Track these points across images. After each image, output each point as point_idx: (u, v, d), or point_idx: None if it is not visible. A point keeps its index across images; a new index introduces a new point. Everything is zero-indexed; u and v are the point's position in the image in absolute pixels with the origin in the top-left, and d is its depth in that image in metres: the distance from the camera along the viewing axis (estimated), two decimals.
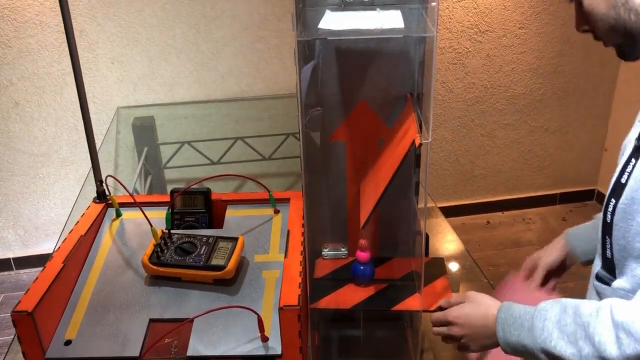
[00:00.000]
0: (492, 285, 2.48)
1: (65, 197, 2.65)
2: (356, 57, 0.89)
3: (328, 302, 0.93)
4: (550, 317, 0.77)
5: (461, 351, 0.90)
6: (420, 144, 0.76)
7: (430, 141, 0.77)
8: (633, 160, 0.81)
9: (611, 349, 0.70)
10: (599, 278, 0.90)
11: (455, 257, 1.54)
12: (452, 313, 0.89)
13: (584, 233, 1.06)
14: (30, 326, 0.89)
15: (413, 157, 0.85)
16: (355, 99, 0.92)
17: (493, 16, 2.63)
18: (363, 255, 0.94)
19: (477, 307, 0.88)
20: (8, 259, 2.73)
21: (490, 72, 2.75)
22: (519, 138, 2.93)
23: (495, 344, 0.85)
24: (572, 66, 2.79)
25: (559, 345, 0.75)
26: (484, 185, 3.01)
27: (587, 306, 0.75)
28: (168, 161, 2.42)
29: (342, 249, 1.05)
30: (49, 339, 0.94)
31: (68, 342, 0.94)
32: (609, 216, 0.84)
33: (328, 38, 0.83)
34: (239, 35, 2.49)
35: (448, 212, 2.96)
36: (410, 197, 0.99)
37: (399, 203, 0.99)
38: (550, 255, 1.06)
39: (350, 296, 0.94)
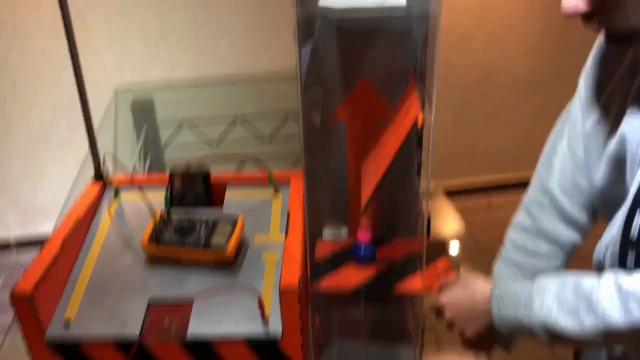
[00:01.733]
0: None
1: (64, 179, 2.63)
2: (357, 34, 0.87)
3: (329, 283, 0.92)
4: (550, 292, 0.75)
5: (461, 337, 0.89)
6: (423, 123, 0.74)
7: (433, 121, 0.75)
8: None
9: (617, 317, 0.68)
10: None
11: (456, 238, 1.53)
12: (442, 298, 0.88)
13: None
14: (29, 308, 0.89)
15: (415, 136, 0.83)
16: (356, 77, 0.90)
17: None
18: (364, 236, 0.93)
19: (464, 290, 0.86)
20: (8, 241, 2.73)
21: (493, 51, 2.72)
22: (521, 118, 2.91)
23: (489, 325, 0.83)
24: (576, 46, 2.74)
25: (560, 319, 0.73)
26: (486, 165, 2.99)
27: (588, 279, 0.73)
28: (167, 141, 2.40)
29: (343, 230, 1.04)
30: (49, 320, 0.93)
31: (67, 323, 0.93)
32: (634, 231, 0.74)
33: (329, 16, 0.81)
34: (239, 13, 2.46)
35: (449, 192, 2.94)
36: (413, 178, 0.98)
37: (401, 183, 0.98)
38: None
39: (351, 277, 0.93)
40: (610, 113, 0.80)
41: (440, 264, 0.97)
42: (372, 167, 0.87)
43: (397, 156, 0.78)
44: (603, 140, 0.80)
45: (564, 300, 0.73)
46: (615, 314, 0.68)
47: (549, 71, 2.82)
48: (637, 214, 0.73)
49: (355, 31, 0.87)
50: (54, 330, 0.92)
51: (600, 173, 0.81)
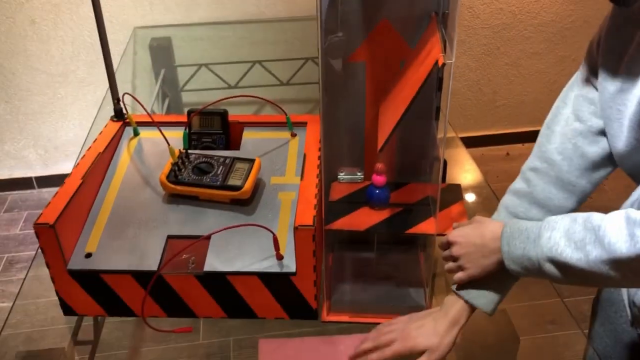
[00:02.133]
0: None
1: (84, 118, 2.66)
2: None
3: (342, 223, 0.94)
4: (559, 227, 0.75)
5: (459, 275, 0.87)
6: (444, 64, 0.73)
7: (454, 62, 0.74)
8: None
9: (622, 246, 0.68)
10: None
11: (473, 187, 1.53)
12: (454, 233, 0.88)
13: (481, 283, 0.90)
14: (52, 238, 0.92)
15: (435, 78, 0.82)
16: (376, 18, 0.88)
17: None
18: (379, 179, 0.94)
19: (477, 227, 0.86)
20: (30, 178, 2.78)
21: None
22: (545, 68, 2.84)
23: (495, 264, 0.83)
24: None
25: (566, 252, 0.73)
26: (506, 116, 2.95)
27: (598, 214, 0.73)
28: (185, 83, 2.40)
29: (359, 174, 1.04)
30: (70, 252, 0.96)
31: (88, 255, 0.97)
32: None
33: None
34: None
35: (468, 142, 2.90)
36: (430, 123, 0.97)
37: (418, 128, 0.97)
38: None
39: (364, 219, 0.95)
40: (634, 77, 0.78)
41: (454, 208, 0.98)
42: (391, 108, 0.86)
43: (416, 99, 0.77)
44: (626, 105, 0.79)
45: (572, 234, 0.73)
46: (620, 242, 0.68)
47: (575, 20, 2.73)
48: None
49: None
50: (76, 261, 0.96)
51: (623, 139, 0.80)
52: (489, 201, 1.48)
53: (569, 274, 0.75)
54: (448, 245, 0.89)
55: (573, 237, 0.73)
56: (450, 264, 0.90)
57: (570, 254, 0.72)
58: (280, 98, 2.34)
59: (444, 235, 0.92)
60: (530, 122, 2.93)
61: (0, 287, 2.26)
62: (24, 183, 2.78)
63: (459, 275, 0.88)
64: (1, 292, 2.24)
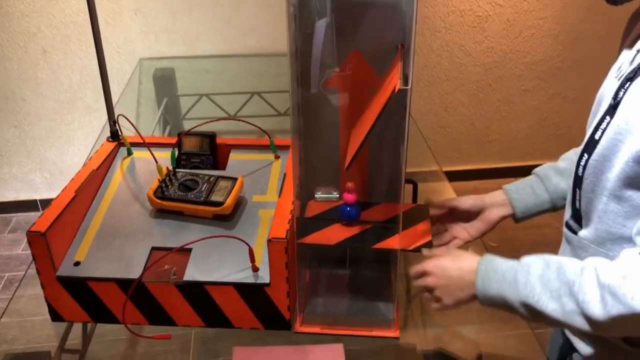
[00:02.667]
0: (496, 247, 2.53)
1: (89, 143, 2.76)
2: (350, 7, 0.93)
3: (314, 238, 1.00)
4: (534, 272, 0.79)
5: (434, 306, 0.92)
6: (400, 90, 0.81)
7: (410, 87, 0.82)
8: (607, 117, 0.83)
9: (595, 309, 0.72)
10: (568, 226, 0.94)
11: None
12: (430, 263, 0.92)
13: (522, 188, 1.09)
14: (43, 245, 0.98)
15: (402, 107, 0.89)
16: (347, 48, 0.97)
17: None
18: (349, 197, 1.00)
19: (455, 260, 0.90)
20: (35, 201, 2.87)
21: (510, 37, 2.74)
22: (536, 105, 2.92)
23: (470, 297, 0.87)
24: (594, 33, 2.75)
25: (542, 300, 0.77)
26: (499, 150, 3.03)
27: (571, 264, 0.77)
28: (187, 112, 2.50)
29: (334, 193, 1.11)
30: (60, 260, 1.03)
31: (77, 263, 1.03)
32: (580, 170, 0.87)
33: None
34: None
35: (461, 176, 2.99)
36: (400, 147, 1.04)
37: (388, 151, 1.04)
38: (467, 198, 1.10)
39: (335, 234, 1.01)
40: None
41: (420, 227, 1.04)
42: (358, 132, 0.94)
43: (377, 121, 0.84)
44: None
45: (547, 282, 0.77)
46: (593, 305, 0.73)
47: (564, 59, 2.82)
48: (583, 157, 0.86)
49: (348, 3, 0.94)
50: (65, 269, 1.02)
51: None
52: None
53: (543, 319, 0.79)
54: (423, 274, 0.93)
55: (548, 285, 0.77)
56: (425, 294, 0.94)
57: (547, 303, 0.77)
58: (277, 127, 2.44)
59: (409, 250, 0.98)
60: (522, 157, 3.00)
61: (0, 305, 2.32)
62: (28, 205, 2.87)
63: (435, 306, 0.93)
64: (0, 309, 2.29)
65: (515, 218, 1.10)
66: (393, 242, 0.98)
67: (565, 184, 1.07)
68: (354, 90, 1.00)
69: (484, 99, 2.89)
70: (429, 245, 1.01)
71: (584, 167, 0.86)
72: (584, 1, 2.69)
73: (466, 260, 0.89)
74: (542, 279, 0.78)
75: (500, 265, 0.84)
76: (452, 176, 2.76)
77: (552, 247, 1.06)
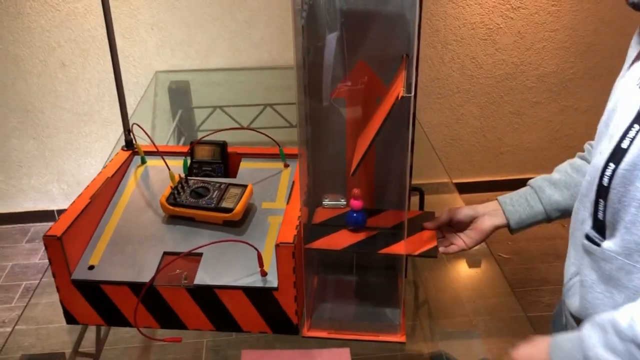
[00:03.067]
0: (508, 258, 2.53)
1: (105, 155, 2.81)
2: (357, 18, 0.96)
3: (321, 243, 1.02)
4: (597, 344, 0.78)
5: None
6: (403, 97, 0.83)
7: (414, 95, 0.84)
8: (636, 125, 0.81)
9: None
10: (588, 238, 0.92)
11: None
12: (520, 354, 0.90)
13: (516, 200, 1.11)
14: (59, 249, 1.02)
15: (407, 116, 0.91)
16: (354, 59, 0.99)
17: None
18: (356, 204, 1.02)
19: (537, 345, 0.90)
20: (52, 211, 2.93)
21: (521, 49, 2.75)
22: (548, 117, 2.93)
23: None
24: (605, 46, 2.76)
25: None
26: (511, 162, 3.03)
27: (620, 319, 0.77)
28: (201, 124, 2.54)
29: (341, 200, 1.13)
30: (75, 263, 1.06)
31: (91, 267, 1.06)
32: (605, 180, 0.85)
33: None
34: (272, 4, 2.57)
35: (473, 188, 3.00)
36: (406, 155, 1.06)
37: (395, 159, 1.07)
38: (461, 208, 1.12)
39: (342, 240, 1.03)
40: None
41: (426, 233, 1.06)
42: (363, 139, 0.96)
43: (381, 129, 0.87)
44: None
45: (614, 348, 0.77)
46: None
47: (576, 71, 2.83)
48: (609, 166, 0.84)
49: (355, 14, 0.97)
50: (80, 272, 1.05)
51: None
52: (486, 247, 1.55)
53: None
54: None
55: (616, 350, 0.76)
56: None
57: None
58: (289, 139, 2.47)
59: (413, 255, 0.99)
60: (534, 168, 3.00)
61: (16, 313, 2.37)
62: (46, 215, 2.92)
63: None
64: (17, 316, 2.34)
65: (510, 229, 1.12)
66: (398, 248, 1.00)
67: (559, 196, 1.09)
68: (361, 100, 1.02)
69: (495, 111, 2.90)
70: (434, 251, 1.02)
71: (610, 177, 0.84)
72: (595, 13, 2.70)
73: (544, 344, 0.88)
74: (608, 346, 0.77)
75: (567, 348, 0.84)
76: (464, 188, 2.77)
77: (563, 259, 1.07)
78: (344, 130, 1.07)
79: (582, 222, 0.95)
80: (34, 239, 2.84)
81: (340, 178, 1.13)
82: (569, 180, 1.10)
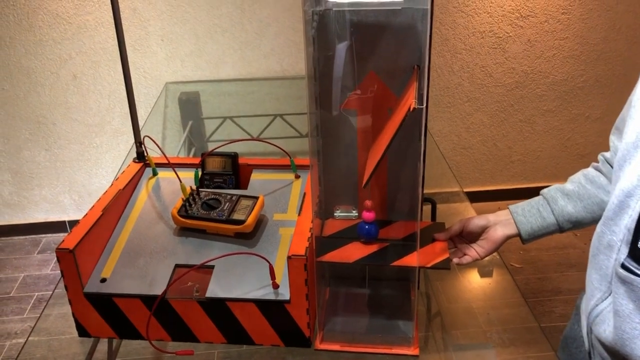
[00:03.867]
0: (520, 268, 2.51)
1: (116, 166, 2.83)
2: (367, 29, 0.96)
3: (332, 256, 1.02)
4: None
5: None
6: (415, 109, 0.83)
7: (426, 107, 0.84)
8: None
9: None
10: (624, 267, 0.86)
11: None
12: None
13: (528, 210, 1.10)
14: (71, 262, 1.02)
15: (418, 126, 0.91)
16: (365, 70, 0.99)
17: (535, 1, 2.62)
18: (368, 215, 1.02)
19: None
20: (64, 222, 2.94)
21: (531, 58, 2.74)
22: (559, 125, 2.91)
23: None
24: (616, 53, 2.74)
25: None
26: (522, 171, 3.01)
27: None
28: (211, 135, 2.55)
29: (353, 211, 1.13)
30: (87, 276, 1.06)
31: (103, 280, 1.06)
32: None
33: (333, 9, 0.90)
34: (282, 15, 2.58)
35: (484, 196, 2.98)
36: (418, 165, 1.06)
37: (407, 170, 1.06)
38: (472, 218, 1.11)
39: (354, 252, 1.02)
40: None
41: (438, 245, 1.05)
42: (375, 150, 0.96)
43: (393, 140, 0.86)
44: None
45: None
46: None
47: (587, 79, 2.82)
48: None
49: (365, 26, 0.97)
50: (92, 285, 1.05)
51: None
52: (496, 257, 1.54)
53: None
54: None
55: None
56: None
57: None
58: (299, 149, 2.48)
59: (426, 267, 0.99)
60: (546, 177, 2.98)
61: (28, 324, 2.38)
62: (57, 226, 2.94)
63: None
64: (29, 328, 2.35)
65: (521, 239, 1.11)
66: (411, 260, 0.99)
67: (572, 207, 1.08)
68: (371, 111, 1.02)
69: (505, 120, 2.89)
70: (446, 263, 1.01)
71: None
72: (604, 21, 2.69)
73: None
74: None
75: None
76: (475, 197, 2.75)
77: (576, 268, 1.06)
78: (355, 141, 1.07)
79: (608, 246, 0.89)
80: (45, 249, 2.85)
81: (351, 189, 1.12)
82: (583, 192, 1.09)
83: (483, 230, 1.11)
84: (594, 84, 2.81)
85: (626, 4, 2.62)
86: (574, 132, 2.93)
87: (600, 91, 2.83)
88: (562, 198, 1.09)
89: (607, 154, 1.09)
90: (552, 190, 1.11)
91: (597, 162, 1.13)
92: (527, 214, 1.10)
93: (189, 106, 2.54)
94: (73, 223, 2.93)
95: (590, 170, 1.12)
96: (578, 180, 1.11)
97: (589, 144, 2.93)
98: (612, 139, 1.02)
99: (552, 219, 1.08)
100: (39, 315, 2.41)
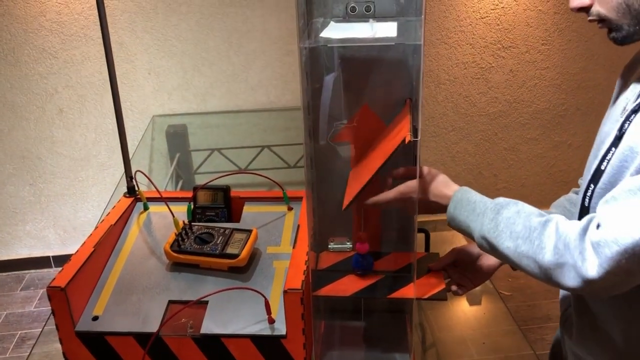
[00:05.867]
0: (509, 295, 2.51)
1: (102, 200, 2.80)
2: (359, 64, 0.98)
3: (329, 290, 1.01)
4: (504, 214, 0.87)
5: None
6: (410, 141, 0.84)
7: (419, 139, 0.85)
8: (613, 148, 0.88)
9: (546, 255, 0.81)
10: None
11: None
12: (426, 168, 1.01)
13: None
14: (63, 300, 1.00)
15: (401, 153, 0.92)
16: (358, 103, 1.00)
17: (516, 32, 2.69)
18: (362, 247, 1.02)
19: (445, 177, 1.02)
20: (48, 257, 2.89)
21: (514, 87, 2.80)
22: (543, 152, 2.96)
23: (440, 207, 0.98)
24: (595, 82, 2.81)
25: (500, 237, 0.86)
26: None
27: (538, 216, 0.85)
28: (199, 167, 2.55)
29: (347, 243, 1.13)
30: (79, 314, 1.04)
31: (95, 318, 1.04)
32: (587, 201, 0.92)
33: (328, 45, 0.92)
34: (269, 48, 2.61)
35: None
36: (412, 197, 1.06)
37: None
38: (463, 248, 1.13)
39: (350, 285, 1.02)
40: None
41: (432, 275, 1.05)
42: (360, 174, 0.96)
43: (382, 168, 0.87)
44: None
45: (512, 225, 0.85)
46: (546, 252, 0.81)
47: (568, 107, 2.87)
48: (590, 187, 0.91)
49: (358, 61, 0.98)
50: (84, 323, 1.03)
51: None
52: (487, 284, 1.54)
53: (497, 254, 0.89)
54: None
55: (511, 227, 0.85)
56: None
57: (502, 241, 0.86)
58: (287, 180, 2.48)
59: (424, 299, 0.98)
60: (532, 204, 2.99)
61: None
62: (41, 262, 2.88)
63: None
64: None
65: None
66: (408, 292, 0.99)
67: None
68: (364, 143, 1.03)
69: (490, 148, 2.93)
70: (443, 294, 1.01)
71: (590, 197, 0.91)
72: (583, 52, 2.76)
73: (452, 184, 1.00)
74: (509, 221, 0.86)
75: (474, 197, 0.95)
76: None
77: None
78: (348, 172, 1.08)
79: None
80: (29, 286, 2.79)
81: (345, 220, 1.12)
82: (568, 215, 1.11)
83: (476, 258, 1.11)
84: (575, 112, 2.87)
85: (602, 34, 2.69)
86: (557, 159, 2.97)
87: (582, 119, 2.88)
88: None
89: None
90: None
91: (578, 186, 1.15)
92: None
93: (176, 139, 2.54)
94: (58, 258, 2.88)
95: (571, 195, 1.15)
96: (562, 205, 1.14)
97: (572, 171, 2.98)
98: None
99: None
100: (21, 354, 2.35)
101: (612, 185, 0.85)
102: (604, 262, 0.75)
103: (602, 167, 0.89)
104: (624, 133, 0.86)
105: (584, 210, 0.93)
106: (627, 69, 0.99)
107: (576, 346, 1.03)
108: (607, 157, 0.88)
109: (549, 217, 0.84)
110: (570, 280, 0.79)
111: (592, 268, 0.76)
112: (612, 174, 0.86)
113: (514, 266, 0.90)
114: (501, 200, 0.92)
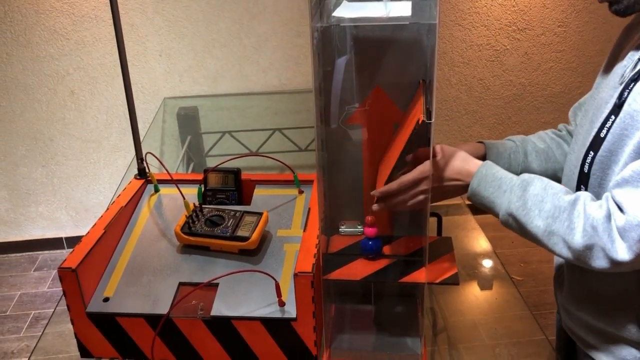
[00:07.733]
0: (520, 281, 2.50)
1: (114, 181, 2.81)
2: (372, 44, 0.96)
3: (339, 274, 1.00)
4: (531, 191, 0.87)
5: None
6: (424, 122, 0.82)
7: (433, 121, 0.83)
8: (613, 116, 0.89)
9: (577, 236, 0.82)
10: None
11: (482, 255, 1.58)
12: (439, 146, 1.00)
13: (501, 157, 1.15)
14: (74, 281, 1.00)
15: (417, 136, 0.91)
16: (370, 85, 0.99)
17: (532, 14, 2.64)
18: (370, 231, 1.01)
19: (462, 152, 0.99)
20: (60, 238, 2.92)
21: (529, 70, 2.75)
22: None
23: (460, 187, 0.97)
24: None
25: (530, 215, 0.86)
26: None
27: (565, 194, 0.86)
28: (210, 149, 2.54)
29: (358, 227, 1.11)
30: (90, 296, 1.05)
31: (106, 299, 1.05)
32: (586, 167, 0.93)
33: (340, 24, 0.90)
34: (280, 30, 2.59)
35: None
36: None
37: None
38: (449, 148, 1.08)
39: (360, 269, 1.01)
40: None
41: (445, 259, 1.04)
42: (385, 165, 0.95)
43: (403, 154, 0.86)
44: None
45: (540, 202, 0.86)
46: (577, 233, 0.83)
47: (584, 91, 2.82)
48: (589, 154, 0.92)
49: (370, 41, 0.96)
50: (95, 305, 1.04)
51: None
52: (497, 269, 1.53)
53: (524, 232, 0.89)
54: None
55: (540, 206, 0.86)
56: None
57: (532, 219, 0.86)
58: (298, 163, 2.47)
59: (435, 283, 0.98)
60: None
61: (25, 343, 2.35)
62: (54, 243, 2.91)
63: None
64: (26, 347, 2.32)
65: None
66: (419, 276, 0.98)
67: (537, 165, 1.14)
68: (377, 126, 1.02)
69: (504, 132, 2.89)
70: (455, 277, 1.00)
71: (590, 164, 0.92)
72: (600, 33, 2.70)
73: (472, 159, 0.98)
74: (536, 199, 0.86)
75: (500, 173, 0.93)
76: (477, 209, 2.73)
77: None
78: (360, 155, 1.06)
79: None
80: (42, 267, 2.82)
81: (356, 204, 1.11)
82: (550, 154, 1.15)
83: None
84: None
85: None
86: None
87: None
88: (535, 156, 1.14)
89: (570, 127, 1.20)
90: (529, 145, 1.15)
91: (560, 131, 1.21)
92: (500, 162, 1.13)
93: (188, 121, 2.53)
94: (70, 240, 2.91)
95: (553, 136, 1.18)
96: (548, 142, 1.16)
97: None
98: (573, 113, 1.16)
99: (517, 171, 1.11)
100: (35, 334, 2.38)
101: (612, 153, 0.87)
102: (633, 244, 0.78)
103: (602, 135, 0.90)
104: (623, 101, 0.87)
105: (582, 176, 0.94)
106: (627, 29, 1.04)
107: (567, 301, 1.07)
108: (607, 125, 0.89)
109: (576, 196, 0.85)
110: (599, 261, 0.82)
111: (622, 251, 0.78)
112: (612, 142, 0.87)
113: (539, 244, 0.90)
114: (526, 176, 0.91)
